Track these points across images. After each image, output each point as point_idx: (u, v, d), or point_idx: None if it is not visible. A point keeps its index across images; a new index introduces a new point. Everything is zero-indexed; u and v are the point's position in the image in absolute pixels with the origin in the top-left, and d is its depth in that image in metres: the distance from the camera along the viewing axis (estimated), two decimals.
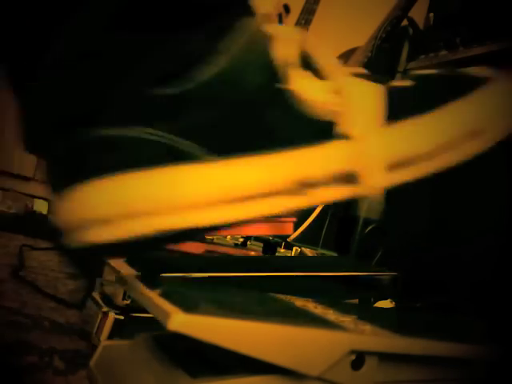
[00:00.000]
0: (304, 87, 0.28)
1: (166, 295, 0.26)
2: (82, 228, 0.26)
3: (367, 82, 0.32)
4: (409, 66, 0.76)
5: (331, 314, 0.29)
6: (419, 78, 0.36)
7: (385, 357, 0.29)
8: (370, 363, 0.28)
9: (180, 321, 0.23)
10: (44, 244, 1.13)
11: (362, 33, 0.92)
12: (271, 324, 0.25)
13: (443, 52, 0.70)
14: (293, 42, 0.29)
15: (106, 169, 0.25)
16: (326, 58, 0.30)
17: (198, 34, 0.27)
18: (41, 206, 1.46)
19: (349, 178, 0.29)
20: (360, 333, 0.28)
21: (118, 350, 0.30)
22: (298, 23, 1.34)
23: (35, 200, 1.49)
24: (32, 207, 1.46)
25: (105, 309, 0.32)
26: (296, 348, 0.25)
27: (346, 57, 0.92)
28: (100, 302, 0.54)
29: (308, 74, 0.29)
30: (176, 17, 0.26)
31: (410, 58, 0.76)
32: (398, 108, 0.31)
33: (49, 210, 0.29)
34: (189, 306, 0.24)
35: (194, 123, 0.26)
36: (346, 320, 0.29)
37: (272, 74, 0.28)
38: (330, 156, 0.29)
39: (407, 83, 0.36)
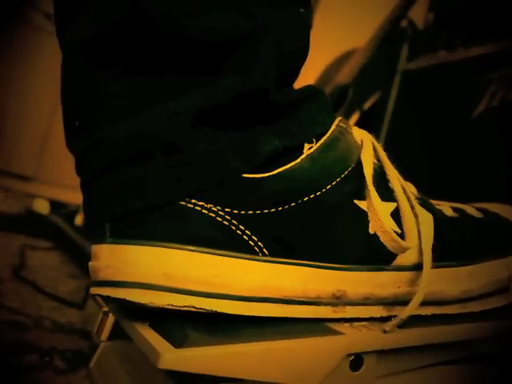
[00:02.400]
0: (378, 207, 0.29)
1: (155, 326, 0.26)
2: (125, 284, 0.26)
3: (423, 209, 0.33)
4: (408, 66, 0.76)
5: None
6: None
7: (383, 352, 0.28)
8: (368, 362, 0.28)
9: (170, 359, 0.23)
10: (45, 244, 1.14)
11: (362, 33, 0.92)
12: (264, 342, 0.25)
13: (443, 52, 0.70)
14: (372, 152, 0.31)
15: (170, 235, 0.26)
16: (394, 174, 0.31)
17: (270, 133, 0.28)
18: (41, 206, 1.46)
19: (390, 302, 0.30)
20: (356, 335, 0.28)
21: (118, 350, 0.30)
22: None
23: (35, 200, 1.49)
24: (32, 207, 1.46)
25: (105, 308, 0.32)
26: (293, 363, 0.25)
27: (345, 57, 0.92)
28: (101, 301, 0.54)
29: (377, 194, 0.30)
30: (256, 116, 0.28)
31: (409, 58, 0.76)
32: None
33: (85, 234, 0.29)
34: (178, 338, 0.24)
35: (262, 215, 0.27)
36: (342, 324, 0.29)
37: (349, 183, 0.29)
38: (381, 284, 0.30)
39: None
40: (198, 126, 0.27)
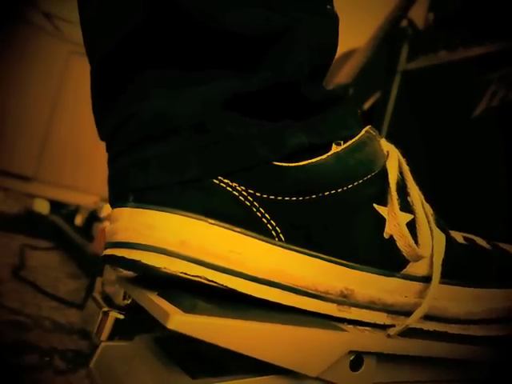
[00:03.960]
0: (398, 212, 0.30)
1: (165, 296, 0.26)
2: (141, 247, 0.26)
3: (437, 228, 0.33)
4: (408, 66, 0.76)
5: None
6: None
7: (383, 357, 0.28)
8: (368, 364, 0.28)
9: (179, 321, 0.23)
10: (45, 244, 1.14)
11: (362, 33, 0.92)
12: (270, 324, 0.25)
13: (443, 52, 0.70)
14: (397, 163, 0.32)
15: (192, 205, 0.26)
16: (415, 189, 0.32)
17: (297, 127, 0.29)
18: (41, 206, 1.46)
19: (394, 311, 0.31)
20: (359, 334, 0.28)
21: (118, 350, 0.30)
22: None
23: (35, 200, 1.50)
24: (32, 207, 1.46)
25: (105, 308, 0.32)
26: (295, 348, 0.25)
27: (345, 57, 0.92)
28: (101, 301, 0.54)
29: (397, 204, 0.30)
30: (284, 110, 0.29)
31: (409, 58, 0.77)
32: None
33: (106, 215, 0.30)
34: (188, 306, 0.24)
35: (283, 201, 0.27)
36: (346, 325, 0.29)
37: (371, 186, 0.30)
38: (389, 290, 0.30)
39: None
40: (229, 110, 0.27)
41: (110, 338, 0.32)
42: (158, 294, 0.26)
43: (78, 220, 1.16)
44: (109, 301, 0.52)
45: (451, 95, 0.67)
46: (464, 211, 0.59)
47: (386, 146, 0.33)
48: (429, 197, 0.37)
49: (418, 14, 0.82)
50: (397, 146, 0.33)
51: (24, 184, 1.63)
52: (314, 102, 0.30)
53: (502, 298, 0.34)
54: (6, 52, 1.58)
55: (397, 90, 0.76)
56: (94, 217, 1.06)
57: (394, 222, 0.30)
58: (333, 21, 0.31)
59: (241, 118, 0.28)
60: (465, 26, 0.68)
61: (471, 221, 0.54)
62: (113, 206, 0.29)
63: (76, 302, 0.68)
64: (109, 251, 0.28)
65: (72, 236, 1.05)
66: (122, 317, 0.32)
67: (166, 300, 0.25)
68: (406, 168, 0.33)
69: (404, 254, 0.30)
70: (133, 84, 0.28)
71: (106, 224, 0.29)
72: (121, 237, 0.27)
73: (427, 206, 0.34)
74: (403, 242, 0.29)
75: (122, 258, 0.26)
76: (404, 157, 0.33)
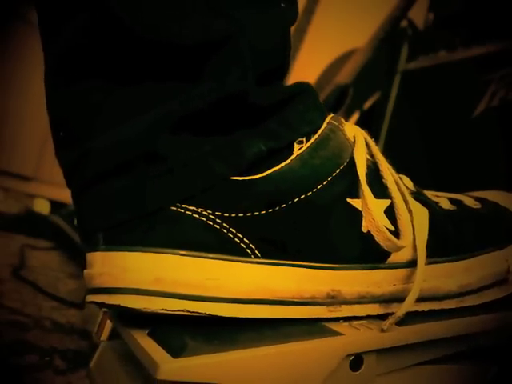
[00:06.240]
0: (372, 206, 0.29)
1: (154, 335, 0.26)
2: (118, 291, 0.26)
3: (419, 204, 0.32)
4: (408, 66, 0.76)
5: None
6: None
7: (383, 350, 0.28)
8: (368, 362, 0.28)
9: (168, 370, 0.23)
10: (45, 244, 1.14)
11: (361, 33, 0.92)
12: (262, 348, 0.25)
13: (443, 52, 0.70)
14: (365, 149, 0.31)
15: (162, 240, 0.26)
16: (388, 171, 0.31)
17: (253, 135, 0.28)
18: (41, 206, 1.46)
19: (386, 300, 0.30)
20: (354, 334, 0.27)
21: (118, 350, 0.30)
22: (298, 23, 1.34)
23: (35, 200, 1.50)
24: (32, 207, 1.46)
25: (105, 309, 0.32)
26: (291, 366, 0.25)
27: (345, 57, 0.92)
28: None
29: (371, 193, 0.29)
30: (237, 120, 0.28)
31: (409, 58, 0.77)
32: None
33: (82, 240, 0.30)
34: (177, 347, 0.24)
35: (253, 217, 0.27)
36: (340, 324, 0.29)
37: (341, 181, 0.29)
38: (376, 282, 0.30)
39: None
40: (178, 132, 0.27)
41: (110, 338, 0.32)
42: (147, 333, 0.26)
43: None
44: None
45: (451, 95, 0.67)
46: None
47: (351, 131, 0.31)
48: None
49: (418, 14, 0.82)
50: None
51: (24, 184, 1.63)
52: (269, 105, 0.29)
53: (497, 261, 0.34)
54: (6, 52, 1.58)
55: (397, 90, 0.76)
56: None
57: (369, 217, 0.29)
58: (283, 20, 0.30)
59: (192, 139, 0.27)
60: (465, 26, 0.68)
61: None
62: (85, 249, 0.29)
63: (76, 302, 0.68)
64: (89, 297, 0.28)
65: (72, 236, 1.04)
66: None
67: (155, 340, 0.25)
68: (375, 149, 0.32)
69: (384, 247, 0.29)
70: (80, 104, 0.27)
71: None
72: (97, 282, 0.27)
73: (405, 181, 0.33)
74: (381, 236, 0.29)
75: (102, 303, 0.27)
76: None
